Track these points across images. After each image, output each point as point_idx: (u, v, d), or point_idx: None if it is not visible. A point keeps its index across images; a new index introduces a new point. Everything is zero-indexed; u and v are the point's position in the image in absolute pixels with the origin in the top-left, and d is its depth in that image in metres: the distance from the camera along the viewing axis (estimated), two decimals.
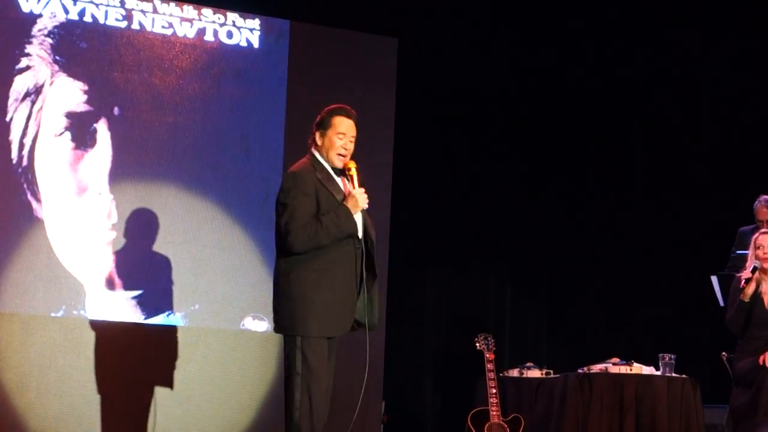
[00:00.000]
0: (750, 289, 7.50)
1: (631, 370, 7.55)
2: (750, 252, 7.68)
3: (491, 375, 7.64)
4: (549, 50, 9.80)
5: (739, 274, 7.74)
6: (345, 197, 5.82)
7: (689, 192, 10.01)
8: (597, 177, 9.90)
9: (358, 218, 5.85)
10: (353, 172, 5.88)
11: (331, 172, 5.89)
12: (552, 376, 8.02)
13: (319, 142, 5.91)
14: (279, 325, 5.79)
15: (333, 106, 5.99)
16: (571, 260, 9.77)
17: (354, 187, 5.85)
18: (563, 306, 9.73)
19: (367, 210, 5.90)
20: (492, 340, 7.82)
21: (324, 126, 5.91)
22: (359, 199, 5.82)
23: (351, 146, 5.92)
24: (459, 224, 9.25)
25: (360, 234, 5.85)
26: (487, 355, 7.72)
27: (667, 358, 7.71)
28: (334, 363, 5.91)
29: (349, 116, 5.94)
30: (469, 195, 9.41)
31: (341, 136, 5.87)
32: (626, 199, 9.93)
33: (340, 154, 5.86)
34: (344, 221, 5.75)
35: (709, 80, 9.94)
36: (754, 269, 7.51)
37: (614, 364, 7.63)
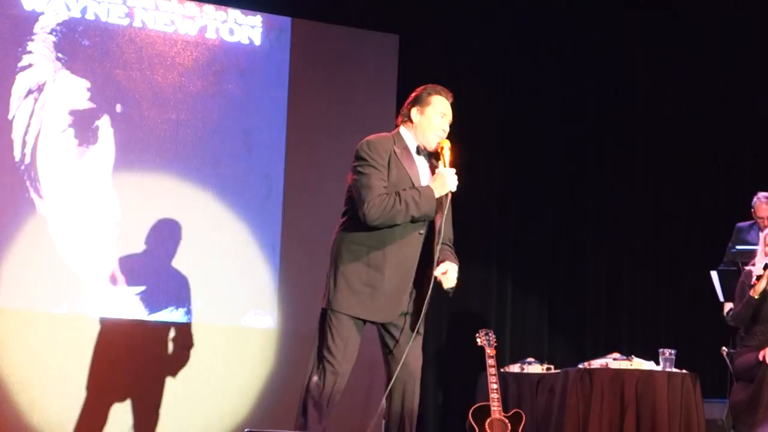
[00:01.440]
0: (760, 286, 7.51)
1: (631, 365, 7.57)
2: (760, 248, 7.68)
3: (492, 370, 7.64)
4: (548, 43, 9.81)
5: (748, 268, 7.75)
6: (417, 178, 5.53)
7: (687, 187, 10.05)
8: (596, 170, 9.91)
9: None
10: (447, 151, 5.58)
11: (412, 149, 5.64)
12: (553, 371, 8.04)
13: (414, 119, 5.62)
14: (323, 297, 5.59)
15: (432, 85, 5.72)
16: (572, 255, 9.79)
17: (445, 166, 5.56)
18: (564, 301, 9.75)
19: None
20: (493, 336, 7.82)
21: (422, 103, 5.64)
22: (447, 180, 5.51)
23: (448, 130, 5.65)
24: (459, 219, 9.25)
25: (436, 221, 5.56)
26: (488, 351, 7.72)
27: (667, 353, 7.73)
28: (418, 350, 5.65)
29: (449, 98, 5.69)
30: (469, 190, 9.41)
31: (442, 116, 5.62)
32: (625, 194, 9.95)
33: (438, 135, 5.59)
34: (425, 201, 5.45)
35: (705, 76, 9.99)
36: (766, 266, 7.52)
37: (614, 359, 7.65)
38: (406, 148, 5.61)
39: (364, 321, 5.57)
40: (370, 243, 5.50)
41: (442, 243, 5.65)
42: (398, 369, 5.56)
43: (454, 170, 5.57)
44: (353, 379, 5.72)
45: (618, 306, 9.87)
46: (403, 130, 5.68)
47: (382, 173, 5.49)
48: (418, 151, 5.65)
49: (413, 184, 5.52)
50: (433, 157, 5.68)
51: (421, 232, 5.57)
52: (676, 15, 9.99)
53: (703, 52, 10.02)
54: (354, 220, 5.54)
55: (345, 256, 5.54)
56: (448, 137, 5.63)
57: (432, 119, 5.62)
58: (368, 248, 5.50)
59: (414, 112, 5.65)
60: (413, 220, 5.49)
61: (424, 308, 5.59)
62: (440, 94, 5.69)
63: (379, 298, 5.51)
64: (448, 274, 5.62)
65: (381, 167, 5.49)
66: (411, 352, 5.62)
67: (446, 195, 5.57)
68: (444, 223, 5.66)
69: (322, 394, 5.53)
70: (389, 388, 5.63)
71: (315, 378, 5.58)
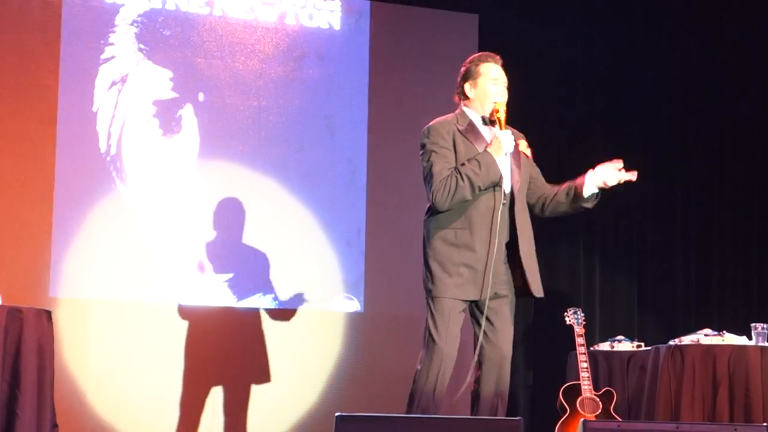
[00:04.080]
0: None
1: (723, 340, 7.47)
2: None
3: (582, 349, 7.59)
4: (630, 23, 9.69)
5: None
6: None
7: None
8: (683, 144, 9.78)
9: (505, 166, 5.55)
10: (502, 114, 5.55)
11: (477, 123, 5.63)
12: (643, 348, 7.96)
13: (470, 95, 5.65)
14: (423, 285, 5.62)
15: (476, 54, 5.74)
16: (660, 232, 9.68)
17: (501, 129, 5.54)
18: (653, 278, 9.64)
19: (519, 160, 5.61)
20: (582, 315, 7.77)
21: (472, 76, 5.65)
22: (503, 142, 5.49)
23: (506, 94, 5.63)
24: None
25: (507, 185, 5.56)
26: (577, 330, 7.68)
27: (760, 328, 7.60)
28: (509, 329, 5.66)
29: (497, 62, 5.68)
30: (556, 170, 9.32)
31: (495, 82, 5.62)
32: (714, 167, 9.80)
33: (495, 101, 5.58)
34: (485, 168, 5.43)
35: None
36: None
37: (706, 335, 7.55)
38: (470, 124, 5.62)
39: (465, 301, 5.56)
40: (455, 224, 5.52)
41: (540, 189, 5.74)
42: (493, 351, 5.57)
43: (509, 131, 5.55)
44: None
45: (708, 281, 9.73)
46: (464, 108, 5.70)
47: (445, 156, 5.51)
48: (484, 122, 5.63)
49: None
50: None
51: (504, 202, 5.55)
52: None
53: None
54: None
55: (434, 242, 5.55)
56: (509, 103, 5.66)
57: (486, 89, 5.63)
58: (454, 230, 5.52)
59: (467, 88, 5.69)
60: (481, 190, 5.47)
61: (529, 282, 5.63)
62: (487, 61, 5.70)
63: (476, 276, 5.51)
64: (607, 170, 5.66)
65: (443, 149, 5.52)
66: (503, 335, 5.61)
67: (516, 156, 5.60)
68: (523, 180, 5.67)
69: (428, 379, 5.53)
70: (481, 370, 5.62)
71: (419, 366, 5.60)
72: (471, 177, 5.42)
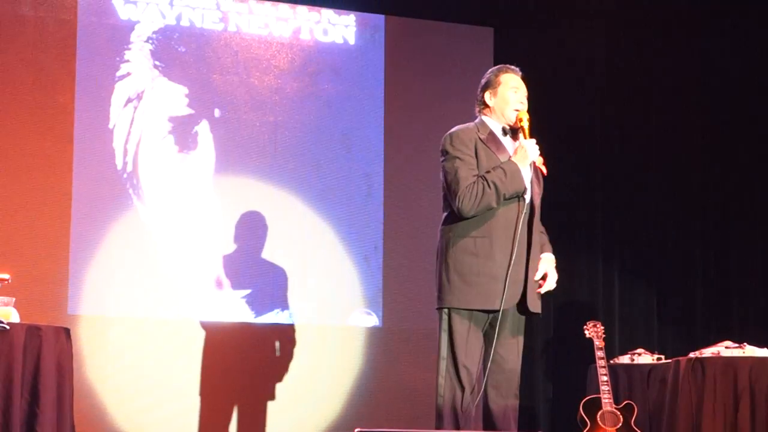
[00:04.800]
0: None
1: (744, 352, 7.43)
2: None
3: (602, 362, 7.56)
4: (645, 36, 9.67)
5: None
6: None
7: None
8: (702, 158, 9.74)
9: (527, 175, 5.54)
10: (525, 123, 5.56)
11: (498, 133, 5.63)
12: (663, 361, 7.93)
13: (489, 103, 5.65)
14: (437, 297, 5.58)
15: (496, 66, 5.76)
16: (679, 244, 9.64)
17: (525, 138, 5.54)
18: (672, 290, 9.60)
19: (537, 172, 5.61)
20: (601, 327, 7.75)
21: (492, 85, 5.67)
22: (529, 151, 5.50)
23: (526, 103, 5.65)
24: (565, 211, 9.15)
25: (528, 196, 5.55)
26: (597, 343, 7.65)
27: None
28: (517, 341, 5.63)
29: (517, 74, 5.70)
30: (574, 183, 9.32)
31: (515, 91, 5.63)
32: (732, 179, 9.76)
33: (516, 109, 5.59)
34: (511, 177, 5.43)
35: None
36: None
37: (726, 347, 7.51)
38: (491, 133, 5.62)
39: (483, 311, 5.52)
40: (475, 233, 5.49)
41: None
42: (503, 363, 5.54)
43: (534, 141, 5.56)
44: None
45: (728, 292, 9.69)
46: (484, 117, 5.70)
47: (469, 163, 5.50)
48: (504, 132, 5.63)
49: None
50: (517, 133, 5.65)
51: (525, 212, 5.54)
52: None
53: None
54: (454, 213, 5.52)
55: (453, 251, 5.51)
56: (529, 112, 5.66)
57: (506, 97, 5.64)
58: (474, 238, 5.49)
59: (487, 96, 5.70)
60: (506, 198, 5.46)
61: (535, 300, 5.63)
62: (507, 72, 5.73)
63: (496, 286, 5.48)
64: (547, 279, 5.62)
65: (467, 156, 5.51)
66: (510, 348, 5.59)
67: (536, 169, 5.59)
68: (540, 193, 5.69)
69: (455, 397, 5.49)
70: (491, 382, 5.59)
71: (443, 381, 5.54)
72: (497, 184, 5.41)
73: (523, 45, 9.13)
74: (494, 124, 5.65)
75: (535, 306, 5.65)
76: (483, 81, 5.74)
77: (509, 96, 5.63)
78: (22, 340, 5.83)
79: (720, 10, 9.67)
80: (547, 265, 5.67)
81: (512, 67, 5.75)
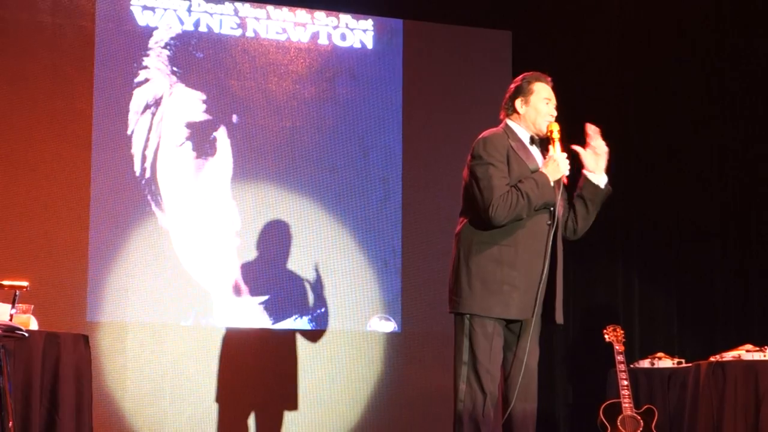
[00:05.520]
0: None
1: (765, 356, 7.40)
2: None
3: (622, 367, 7.54)
4: (662, 39, 9.64)
5: None
6: (536, 170, 5.46)
7: None
8: (721, 161, 9.70)
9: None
10: (556, 134, 5.51)
11: (526, 141, 5.57)
12: (684, 365, 7.90)
13: (520, 111, 5.57)
14: (451, 301, 5.49)
15: (529, 73, 5.68)
16: (699, 247, 9.60)
17: (555, 151, 5.50)
18: (692, 294, 9.56)
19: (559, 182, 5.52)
20: (621, 332, 7.72)
21: (525, 92, 5.59)
22: (560, 164, 5.45)
23: (555, 114, 5.60)
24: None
25: (556, 208, 5.49)
26: (617, 347, 7.62)
27: None
28: (536, 347, 5.57)
29: (549, 83, 5.65)
30: None
31: (547, 101, 5.58)
32: (751, 181, 9.71)
33: (547, 120, 5.53)
34: (542, 189, 5.38)
35: None
36: None
37: (747, 350, 7.48)
38: (520, 141, 5.56)
39: (504, 320, 5.49)
40: (500, 240, 5.43)
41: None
42: (521, 370, 5.51)
43: (566, 154, 5.52)
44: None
45: (748, 295, 9.64)
46: (511, 123, 5.63)
47: (502, 170, 5.43)
48: (532, 141, 5.59)
49: None
50: (546, 144, 5.60)
51: (549, 222, 5.50)
52: None
53: None
54: (478, 218, 5.46)
55: (476, 257, 5.45)
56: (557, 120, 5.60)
57: (538, 107, 5.58)
58: (499, 246, 5.43)
59: (518, 103, 5.61)
60: (536, 210, 5.42)
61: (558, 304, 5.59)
62: (540, 80, 5.65)
63: (518, 295, 5.44)
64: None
65: (500, 164, 5.43)
66: (531, 354, 5.56)
67: (559, 180, 5.52)
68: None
69: (476, 403, 5.45)
70: (510, 387, 5.55)
71: (464, 386, 5.49)
72: (530, 196, 5.36)
73: (541, 48, 9.10)
74: (522, 131, 5.60)
75: (560, 317, 5.62)
76: (513, 86, 5.65)
77: (541, 106, 5.57)
78: (40, 348, 5.85)
79: (737, 11, 9.64)
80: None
81: (545, 75, 5.68)
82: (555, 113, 5.62)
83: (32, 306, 6.15)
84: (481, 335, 5.44)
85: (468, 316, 5.45)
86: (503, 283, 5.40)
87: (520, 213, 5.37)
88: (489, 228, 5.42)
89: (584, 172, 5.65)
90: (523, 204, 5.35)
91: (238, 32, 8.50)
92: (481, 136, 5.56)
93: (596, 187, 5.65)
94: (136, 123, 8.18)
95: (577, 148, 5.62)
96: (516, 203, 5.34)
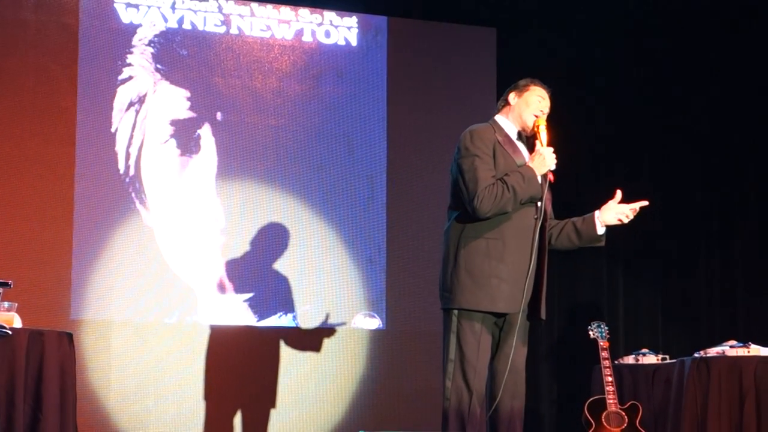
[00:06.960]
0: None
1: (749, 352, 7.42)
2: None
3: (606, 363, 7.54)
4: (653, 38, 9.66)
5: None
6: (522, 164, 5.48)
7: None
8: (705, 159, 9.72)
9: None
10: (543, 129, 5.55)
11: (513, 136, 5.61)
12: (668, 361, 7.90)
13: (512, 102, 5.63)
14: (442, 297, 5.50)
15: (533, 78, 5.75)
16: (683, 243, 9.62)
17: (542, 145, 5.52)
18: (676, 290, 9.59)
19: (545, 178, 5.53)
20: (606, 328, 7.73)
21: (521, 88, 5.66)
22: (547, 159, 5.47)
23: (546, 114, 5.63)
24: (567, 212, 9.14)
25: (541, 203, 5.52)
26: (601, 343, 7.63)
27: None
28: (523, 344, 5.58)
29: (547, 90, 5.69)
30: (574, 182, 9.31)
31: (540, 100, 5.61)
32: (735, 179, 9.73)
33: (534, 114, 5.57)
34: (528, 183, 5.40)
35: None
36: None
37: (731, 347, 7.50)
38: (506, 136, 5.59)
39: (493, 314, 5.49)
40: (488, 234, 5.44)
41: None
42: (507, 366, 5.51)
43: (551, 149, 5.53)
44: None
45: (733, 292, 9.66)
46: (499, 117, 5.68)
47: (488, 163, 5.45)
48: (519, 136, 5.61)
49: None
50: (531, 140, 5.63)
51: (536, 216, 5.52)
52: None
53: None
54: (466, 213, 5.47)
55: (465, 251, 5.46)
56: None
57: (529, 100, 5.63)
58: (487, 240, 5.44)
59: (512, 96, 5.68)
60: (521, 203, 5.44)
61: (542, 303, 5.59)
62: (539, 85, 5.72)
63: (505, 288, 5.44)
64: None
65: (486, 156, 5.46)
66: (517, 351, 5.56)
67: (545, 175, 5.53)
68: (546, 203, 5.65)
69: (462, 401, 5.45)
70: (497, 385, 5.55)
71: (450, 384, 5.49)
72: (516, 189, 5.38)
73: (526, 45, 9.11)
74: (509, 126, 5.62)
75: (544, 313, 5.63)
76: (513, 84, 5.73)
77: (532, 101, 5.62)
78: (24, 346, 5.83)
79: (725, 13, 9.65)
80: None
81: (546, 86, 5.71)
82: (545, 111, 5.65)
83: (16, 304, 6.13)
84: (469, 332, 5.44)
85: (456, 312, 5.45)
86: (491, 276, 5.41)
87: (506, 206, 5.38)
88: (478, 221, 5.43)
89: (596, 216, 5.77)
90: (508, 197, 5.36)
91: (222, 29, 8.50)
92: (467, 129, 5.58)
93: (597, 234, 5.80)
94: (120, 120, 8.17)
95: (615, 202, 5.89)
96: (501, 195, 5.35)
